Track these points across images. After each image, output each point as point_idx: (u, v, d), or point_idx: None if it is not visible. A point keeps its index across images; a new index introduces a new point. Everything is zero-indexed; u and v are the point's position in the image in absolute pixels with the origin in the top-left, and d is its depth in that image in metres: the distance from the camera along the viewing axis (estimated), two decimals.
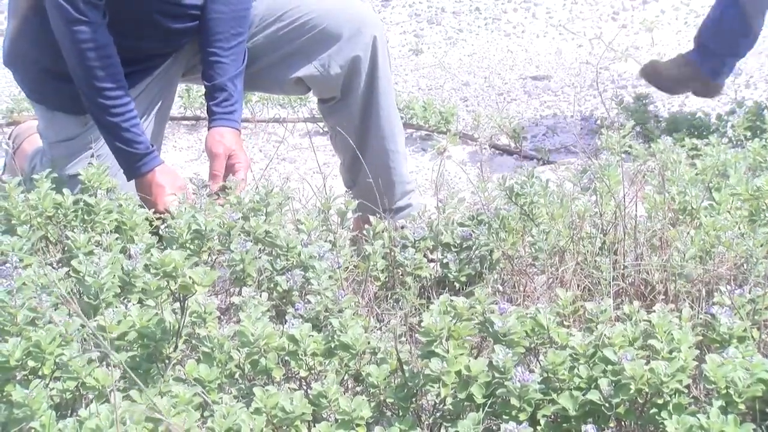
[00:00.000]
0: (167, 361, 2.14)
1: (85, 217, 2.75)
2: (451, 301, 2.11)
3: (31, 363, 2.04)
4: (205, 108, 3.07)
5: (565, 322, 2.23)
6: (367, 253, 2.65)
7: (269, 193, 2.77)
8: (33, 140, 3.45)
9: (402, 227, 2.79)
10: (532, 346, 2.12)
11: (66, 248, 2.61)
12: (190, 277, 2.13)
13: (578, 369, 1.99)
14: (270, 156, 4.38)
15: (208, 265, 2.56)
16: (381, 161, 3.16)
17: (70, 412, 2.05)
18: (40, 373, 2.04)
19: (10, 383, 2.04)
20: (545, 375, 2.00)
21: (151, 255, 2.20)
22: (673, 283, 2.49)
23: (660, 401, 1.93)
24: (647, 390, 1.93)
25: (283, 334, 2.12)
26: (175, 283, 2.16)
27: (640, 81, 5.27)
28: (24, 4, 3.02)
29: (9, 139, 3.65)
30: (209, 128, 3.02)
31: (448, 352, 2.01)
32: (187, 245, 2.58)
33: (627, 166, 3.64)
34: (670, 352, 1.97)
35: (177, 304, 2.18)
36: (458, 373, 2.00)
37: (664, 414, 1.90)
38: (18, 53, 3.11)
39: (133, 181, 2.95)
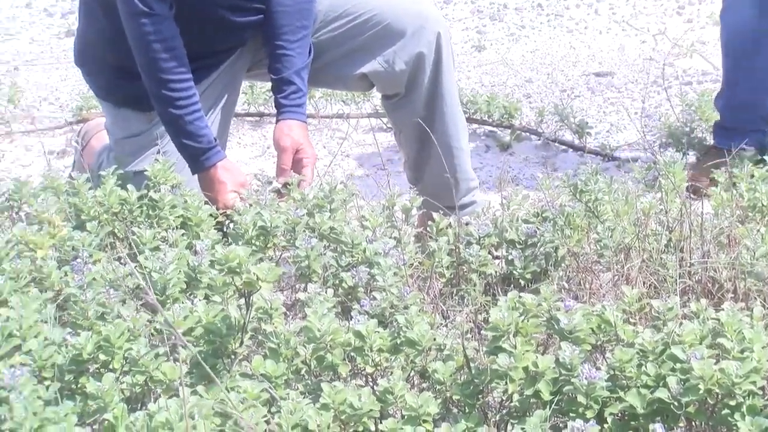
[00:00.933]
0: (233, 357, 2.15)
1: (150, 213, 2.76)
2: (520, 297, 2.10)
3: (102, 356, 2.06)
4: (271, 103, 3.08)
5: (631, 320, 2.21)
6: (432, 250, 2.64)
7: (333, 189, 2.78)
8: (101, 137, 3.49)
9: (466, 224, 2.78)
10: (599, 343, 2.10)
11: (133, 244, 2.63)
12: (254, 273, 2.14)
13: (646, 367, 1.97)
14: (334, 152, 4.39)
15: (273, 262, 2.57)
16: (446, 158, 3.15)
17: (140, 405, 2.06)
18: (110, 366, 2.06)
19: (83, 375, 2.07)
20: (612, 372, 1.98)
21: (216, 251, 2.21)
22: (742, 281, 2.45)
23: (732, 402, 1.90)
24: (718, 390, 1.90)
25: (349, 330, 2.12)
26: (240, 279, 2.17)
27: (706, 77, 5.21)
28: (91, 2, 3.05)
29: (78, 136, 3.69)
30: (277, 121, 3.02)
31: (515, 348, 2.00)
32: (253, 242, 2.58)
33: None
34: (742, 351, 1.94)
35: (242, 300, 2.19)
36: (525, 369, 1.99)
37: (737, 416, 1.87)
38: (86, 52, 3.15)
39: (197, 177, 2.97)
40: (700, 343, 2.00)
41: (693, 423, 1.98)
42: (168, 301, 2.27)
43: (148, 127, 3.08)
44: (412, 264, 2.58)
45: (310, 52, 3.09)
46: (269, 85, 3.09)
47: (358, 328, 2.11)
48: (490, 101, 4.65)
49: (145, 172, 2.87)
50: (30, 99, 5.21)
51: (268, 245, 2.59)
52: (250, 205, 2.73)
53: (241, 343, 2.16)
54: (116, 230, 2.77)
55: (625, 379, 1.97)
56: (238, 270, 2.15)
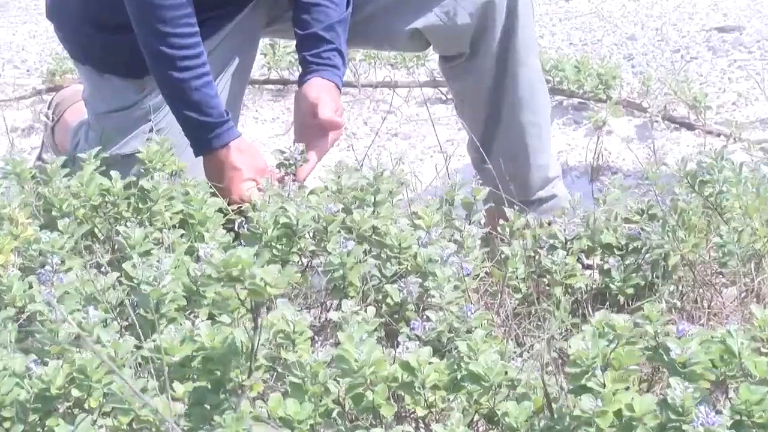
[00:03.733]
0: (240, 393, 2.14)
1: (141, 207, 2.77)
2: (610, 319, 2.08)
3: (75, 392, 2.06)
4: (297, 65, 3.07)
5: (762, 348, 2.18)
6: (503, 257, 2.63)
7: (378, 177, 2.77)
8: (77, 110, 3.49)
9: (549, 223, 2.77)
10: (720, 379, 2.08)
11: (117, 247, 2.63)
12: (260, 279, 2.11)
13: None
14: (377, 130, 4.38)
15: (298, 270, 2.57)
16: (518, 137, 3.14)
17: None
18: (86, 405, 2.06)
19: (52, 416, 2.07)
20: (738, 417, 1.96)
21: (212, 256, 2.18)
22: None
23: None
24: None
25: (395, 361, 2.11)
26: (244, 289, 2.15)
27: None
28: None
29: (49, 108, 3.70)
30: (302, 82, 3.01)
31: (604, 386, 1.98)
32: (273, 244, 2.58)
33: None
34: None
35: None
36: (618, 413, 1.97)
37: None
38: (61, 1, 3.15)
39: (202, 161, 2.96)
40: None
41: None
42: (162, 321, 2.27)
43: (139, 98, 3.08)
44: (478, 275, 2.57)
45: (348, 3, 3.08)
46: (294, 44, 3.08)
47: (407, 359, 2.10)
48: (581, 67, 4.63)
49: (137, 155, 2.87)
50: None
51: (293, 249, 2.59)
52: (269, 198, 2.73)
53: (249, 373, 2.15)
54: (97, 229, 2.78)
55: (755, 426, 1.95)
56: (240, 277, 2.12)
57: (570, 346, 2.04)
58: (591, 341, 2.02)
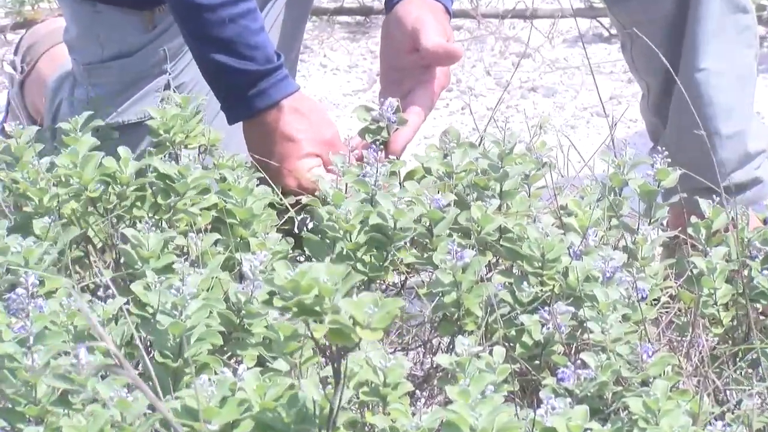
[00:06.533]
0: None
1: (158, 200, 2.78)
2: None
3: None
4: None
5: None
6: (696, 272, 2.63)
7: (507, 155, 2.78)
8: (56, 56, 3.52)
9: (765, 221, 2.76)
10: None
11: (121, 259, 2.64)
12: (347, 314, 2.11)
13: None
14: (506, 82, 4.39)
15: (387, 293, 2.58)
16: (699, 93, 3.13)
17: None
18: None
19: None
20: None
21: (276, 273, 2.18)
22: None
23: None
24: None
25: (534, 426, 2.12)
26: (322, 327, 2.15)
27: None
28: None
29: (16, 54, 3.73)
30: (393, 4, 3.04)
31: None
32: (359, 255, 2.58)
33: None
34: None
35: (330, 367, 2.19)
36: None
37: None
38: None
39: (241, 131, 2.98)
40: None
41: None
42: (187, 369, 2.28)
43: (147, 40, 3.11)
44: (658, 299, 2.57)
45: None
46: None
47: (553, 424, 2.11)
48: None
49: (147, 123, 2.89)
50: None
51: (386, 263, 2.59)
52: (347, 186, 2.74)
53: None
54: (92, 233, 2.79)
55: None
56: (317, 308, 2.12)
57: None
58: None
